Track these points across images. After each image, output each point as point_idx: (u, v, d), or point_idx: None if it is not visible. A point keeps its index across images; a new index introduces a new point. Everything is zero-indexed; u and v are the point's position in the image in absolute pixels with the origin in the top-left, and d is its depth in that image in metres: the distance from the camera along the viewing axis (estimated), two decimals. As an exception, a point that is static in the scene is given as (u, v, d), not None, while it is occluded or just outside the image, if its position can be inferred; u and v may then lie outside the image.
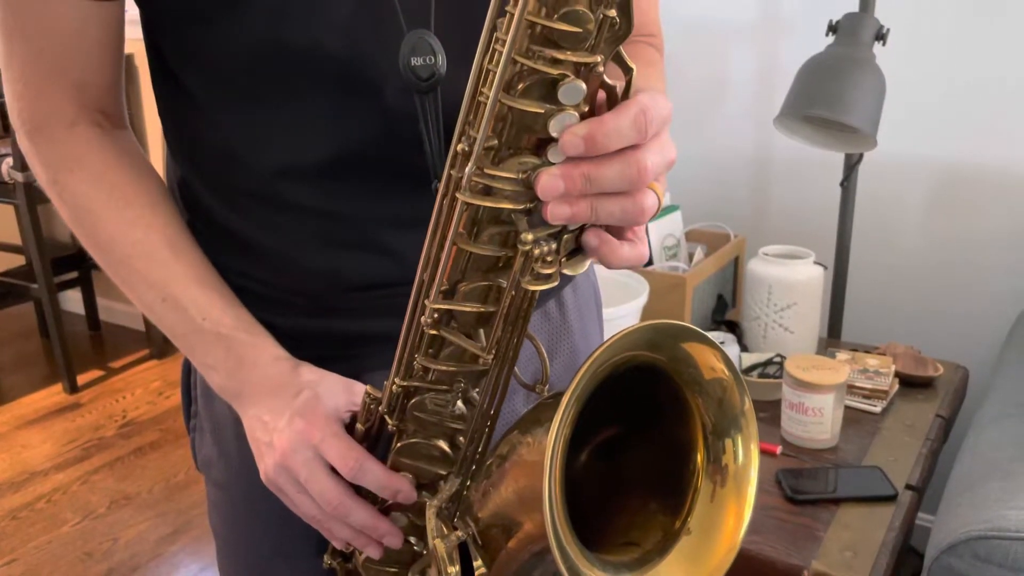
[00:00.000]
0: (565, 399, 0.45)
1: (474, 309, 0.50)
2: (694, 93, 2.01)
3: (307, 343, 0.64)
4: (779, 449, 1.36)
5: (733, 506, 0.52)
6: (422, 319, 0.51)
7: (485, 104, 0.43)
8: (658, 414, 0.54)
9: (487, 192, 0.46)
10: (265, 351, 0.62)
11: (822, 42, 1.57)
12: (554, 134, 0.43)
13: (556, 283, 0.47)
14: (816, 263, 1.64)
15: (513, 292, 0.49)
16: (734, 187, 2.05)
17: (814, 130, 1.63)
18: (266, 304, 0.65)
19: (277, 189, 0.61)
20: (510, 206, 0.46)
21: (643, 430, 0.56)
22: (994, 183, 1.76)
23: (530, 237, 0.45)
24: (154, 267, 0.62)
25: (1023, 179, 1.73)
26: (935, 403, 1.52)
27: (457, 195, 0.46)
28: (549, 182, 0.44)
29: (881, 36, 1.55)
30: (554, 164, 0.44)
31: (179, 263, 0.62)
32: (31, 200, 2.71)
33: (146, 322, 3.15)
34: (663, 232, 1.82)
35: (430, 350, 0.53)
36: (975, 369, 1.72)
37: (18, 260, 3.21)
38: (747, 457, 0.53)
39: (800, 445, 1.37)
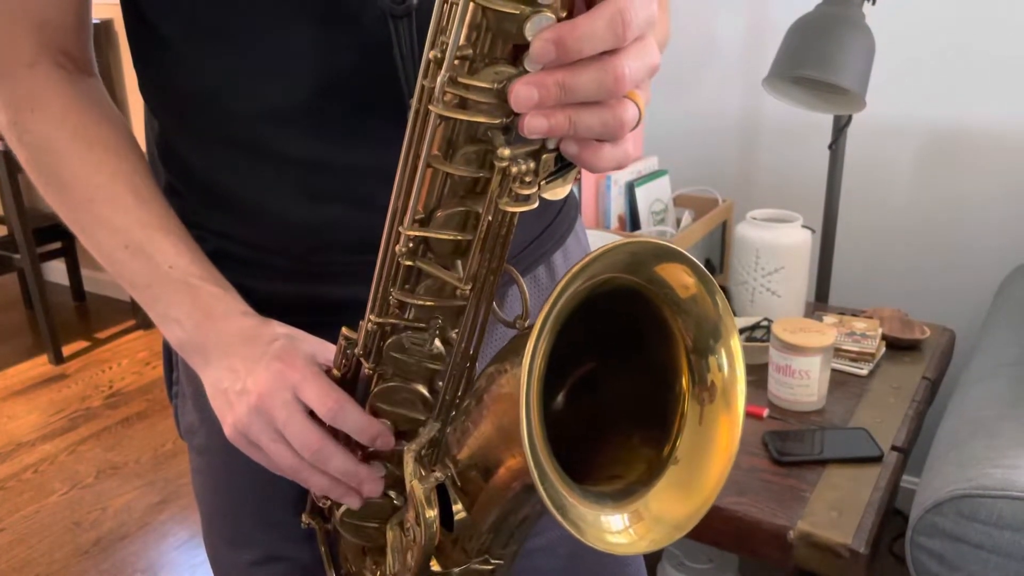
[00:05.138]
0: (541, 316, 0.44)
1: (450, 236, 0.48)
2: (681, 54, 1.99)
3: (291, 310, 0.62)
4: (766, 412, 1.36)
5: (724, 419, 0.50)
6: (397, 248, 0.49)
7: (458, 5, 0.41)
8: (639, 343, 0.52)
9: (462, 105, 0.43)
10: (233, 305, 0.60)
11: (812, 1, 1.55)
12: (529, 39, 0.41)
13: (535, 205, 0.45)
14: (804, 227, 1.64)
15: (491, 216, 0.47)
16: (722, 150, 2.04)
17: (803, 92, 1.62)
18: (247, 268, 0.64)
19: (260, 134, 0.59)
20: (485, 120, 0.43)
21: (624, 363, 0.54)
22: (982, 145, 1.75)
23: (507, 152, 0.43)
24: (117, 213, 0.60)
25: (1011, 141, 1.73)
26: (921, 365, 1.52)
27: (430, 107, 0.44)
28: (523, 91, 0.42)
29: (871, -5, 1.53)
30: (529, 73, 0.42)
31: (144, 210, 0.60)
32: (11, 169, 2.67)
33: (131, 292, 3.13)
34: (651, 197, 1.81)
35: (406, 284, 0.51)
36: (962, 331, 1.72)
37: (0, 231, 3.18)
38: (731, 364, 0.50)
39: (786, 408, 1.37)
